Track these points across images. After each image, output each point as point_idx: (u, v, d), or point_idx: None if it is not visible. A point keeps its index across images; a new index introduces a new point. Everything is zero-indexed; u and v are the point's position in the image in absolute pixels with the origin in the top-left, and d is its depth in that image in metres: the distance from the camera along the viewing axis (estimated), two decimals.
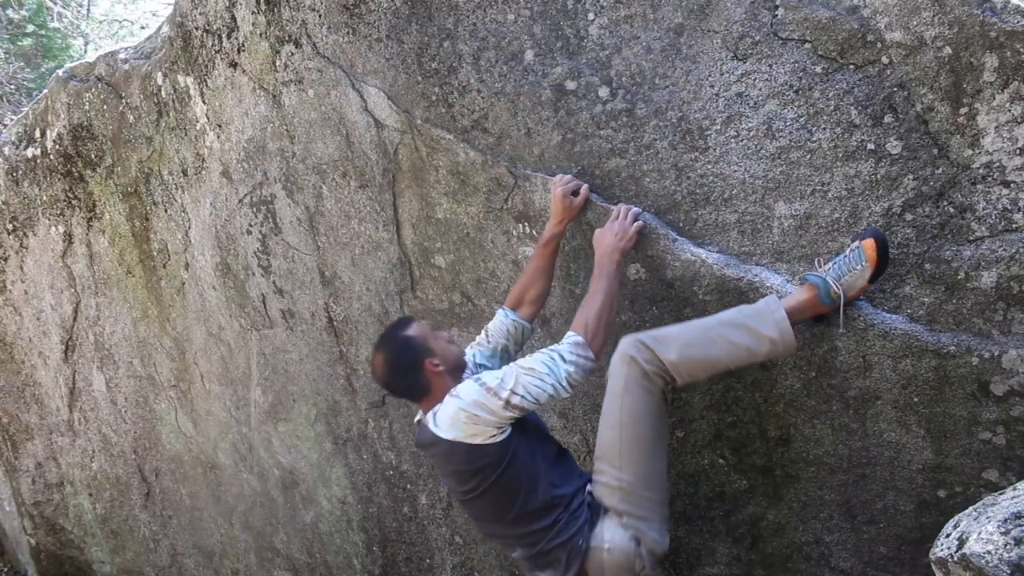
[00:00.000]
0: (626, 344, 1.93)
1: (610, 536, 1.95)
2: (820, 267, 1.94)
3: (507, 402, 1.89)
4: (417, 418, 2.17)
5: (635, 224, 2.10)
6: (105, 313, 3.96)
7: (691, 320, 2.02)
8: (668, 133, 2.11)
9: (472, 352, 2.26)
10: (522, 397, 1.90)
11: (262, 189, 3.00)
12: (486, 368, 2.17)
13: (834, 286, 1.88)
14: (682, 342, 1.90)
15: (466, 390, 1.94)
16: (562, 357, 1.93)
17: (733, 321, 1.92)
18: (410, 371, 2.05)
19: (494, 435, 1.93)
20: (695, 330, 1.94)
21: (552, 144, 2.27)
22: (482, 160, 2.38)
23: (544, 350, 1.96)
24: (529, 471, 1.97)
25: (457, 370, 2.12)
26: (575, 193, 2.19)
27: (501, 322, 2.27)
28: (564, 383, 1.92)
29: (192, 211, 3.33)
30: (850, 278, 1.87)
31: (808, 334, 2.04)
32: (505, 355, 2.26)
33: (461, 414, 1.92)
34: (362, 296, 2.87)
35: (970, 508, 1.53)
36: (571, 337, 1.96)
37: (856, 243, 1.87)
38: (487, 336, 2.27)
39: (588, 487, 2.05)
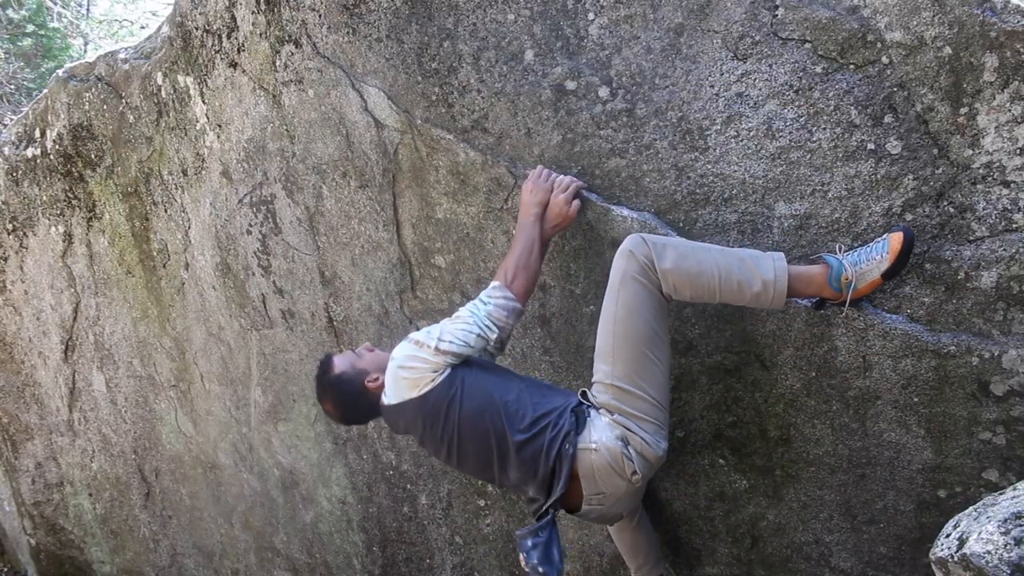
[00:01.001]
0: (628, 240, 1.93)
1: (598, 436, 1.90)
2: (841, 250, 1.91)
3: (436, 349, 1.98)
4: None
5: (551, 179, 2.15)
6: (105, 313, 3.96)
7: (696, 243, 1.98)
8: (668, 133, 2.11)
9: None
10: (449, 343, 1.97)
11: (262, 189, 3.00)
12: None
13: (848, 270, 1.84)
14: (679, 253, 1.88)
15: (399, 351, 2.03)
16: (482, 301, 2.03)
17: (736, 253, 1.91)
18: (358, 400, 2.15)
19: (434, 378, 1.97)
20: (696, 247, 1.92)
21: (552, 144, 2.27)
22: (482, 160, 2.38)
23: (469, 302, 2.06)
24: (493, 394, 1.97)
25: None
26: (576, 197, 2.20)
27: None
28: (486, 322, 2.00)
29: (192, 211, 3.33)
30: (866, 266, 1.83)
31: (808, 334, 2.04)
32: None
33: (400, 372, 2.00)
34: (362, 296, 2.87)
35: (970, 508, 1.53)
36: (491, 284, 2.07)
37: (885, 235, 1.85)
38: None
39: (578, 398, 2.03)
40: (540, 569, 1.95)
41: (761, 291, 1.85)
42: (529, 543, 1.96)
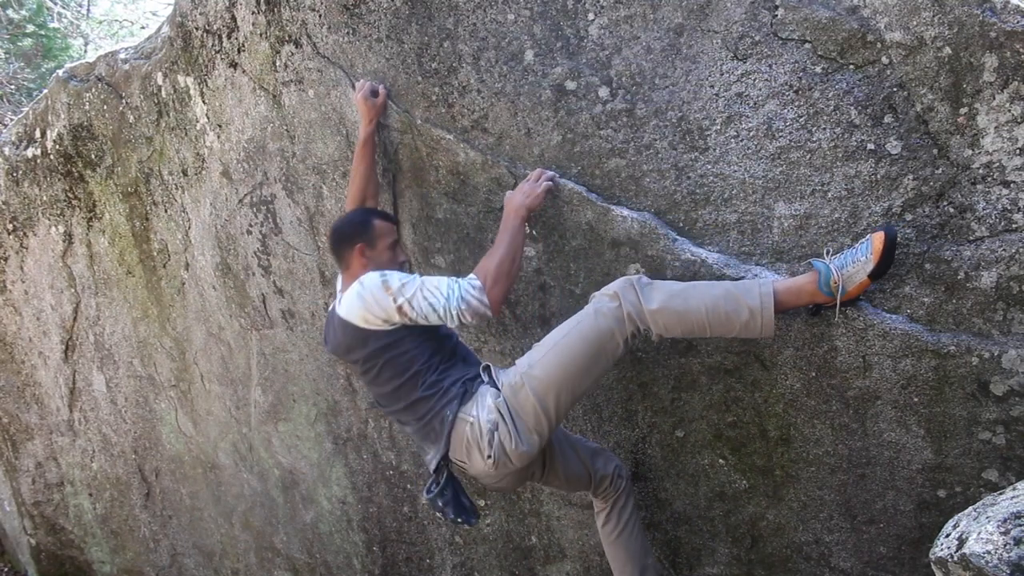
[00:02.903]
0: (619, 283, 1.99)
1: (476, 412, 2.06)
2: (827, 256, 1.95)
3: (399, 308, 2.02)
4: (338, 291, 2.32)
5: (544, 184, 2.17)
6: (105, 313, 3.96)
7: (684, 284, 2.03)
8: (668, 133, 2.11)
9: None
10: (411, 307, 2.02)
11: (262, 189, 3.00)
12: None
13: (835, 274, 1.88)
14: (667, 293, 1.95)
15: (370, 280, 2.07)
16: (462, 290, 2.03)
17: (722, 286, 1.97)
18: (344, 241, 2.23)
19: (381, 327, 2.07)
20: (684, 286, 1.98)
21: (552, 144, 2.27)
22: (482, 160, 2.38)
23: (452, 278, 2.07)
24: (417, 355, 2.10)
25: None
26: (375, 94, 2.42)
27: None
28: (453, 312, 2.02)
29: (192, 211, 3.33)
30: (852, 269, 1.87)
31: (808, 334, 2.04)
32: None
33: (359, 300, 2.06)
34: None
35: (970, 508, 1.53)
36: (473, 280, 2.04)
37: (868, 236, 1.88)
38: None
39: (478, 371, 2.17)
40: (459, 520, 2.20)
41: (749, 319, 1.91)
42: (440, 503, 2.19)
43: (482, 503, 2.90)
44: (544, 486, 2.58)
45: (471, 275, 2.06)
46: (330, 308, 2.31)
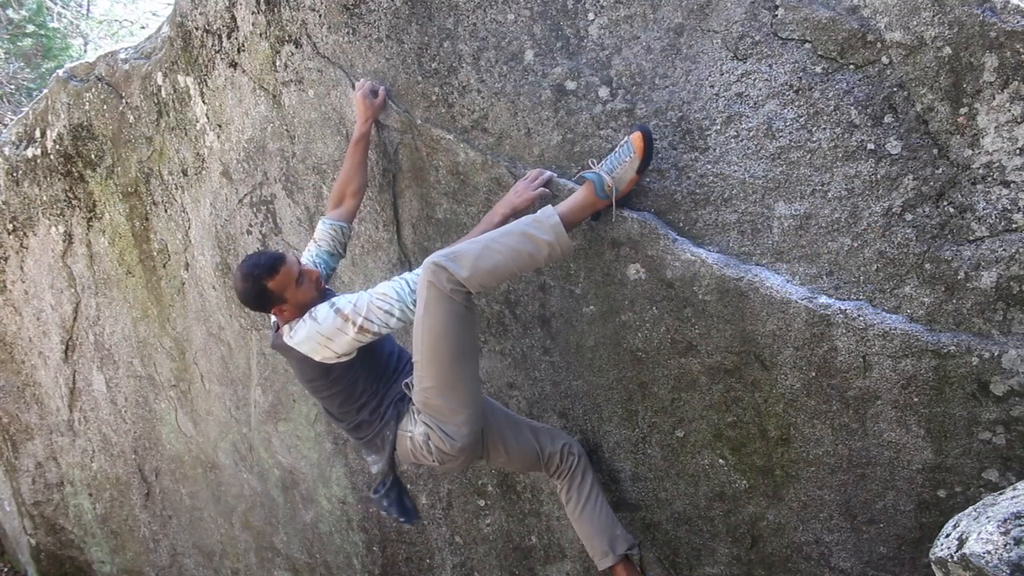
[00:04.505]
0: (426, 270, 2.04)
1: (411, 427, 2.26)
2: (593, 166, 2.12)
3: (360, 328, 2.11)
4: (274, 319, 2.36)
5: (539, 191, 2.22)
6: (105, 313, 3.96)
7: (482, 235, 2.11)
8: (668, 133, 2.11)
9: (311, 253, 2.49)
10: (371, 322, 2.11)
11: (262, 189, 3.00)
12: (327, 263, 2.48)
13: (607, 179, 2.06)
14: (472, 256, 2.02)
15: (323, 315, 2.15)
16: (409, 283, 2.12)
17: (514, 231, 2.06)
18: (259, 303, 2.24)
19: (340, 359, 2.19)
20: (482, 244, 2.05)
21: (552, 144, 2.27)
22: (482, 160, 2.38)
23: (396, 277, 2.17)
24: (364, 385, 2.28)
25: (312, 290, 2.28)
26: (374, 94, 2.44)
27: (323, 230, 2.49)
28: (409, 304, 2.11)
29: (192, 211, 3.33)
30: (621, 170, 2.06)
31: (808, 334, 2.04)
32: (335, 257, 2.52)
33: (317, 336, 2.15)
34: None
35: (970, 508, 1.53)
36: (422, 267, 2.10)
37: (625, 138, 2.06)
38: (316, 244, 2.50)
39: (403, 389, 2.32)
40: (401, 519, 2.45)
41: (549, 252, 2.05)
42: (384, 503, 2.43)
43: (481, 503, 2.90)
44: (493, 466, 2.68)
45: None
46: (273, 339, 2.35)
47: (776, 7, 1.93)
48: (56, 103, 3.64)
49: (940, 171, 1.85)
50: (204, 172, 3.19)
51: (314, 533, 3.57)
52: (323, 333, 2.14)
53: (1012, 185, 1.78)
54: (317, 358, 2.19)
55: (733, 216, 2.08)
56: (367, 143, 2.50)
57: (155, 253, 3.59)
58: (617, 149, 2.08)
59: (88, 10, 11.04)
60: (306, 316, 2.20)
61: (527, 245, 2.03)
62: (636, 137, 2.04)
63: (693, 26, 2.03)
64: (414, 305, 2.09)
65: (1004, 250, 1.81)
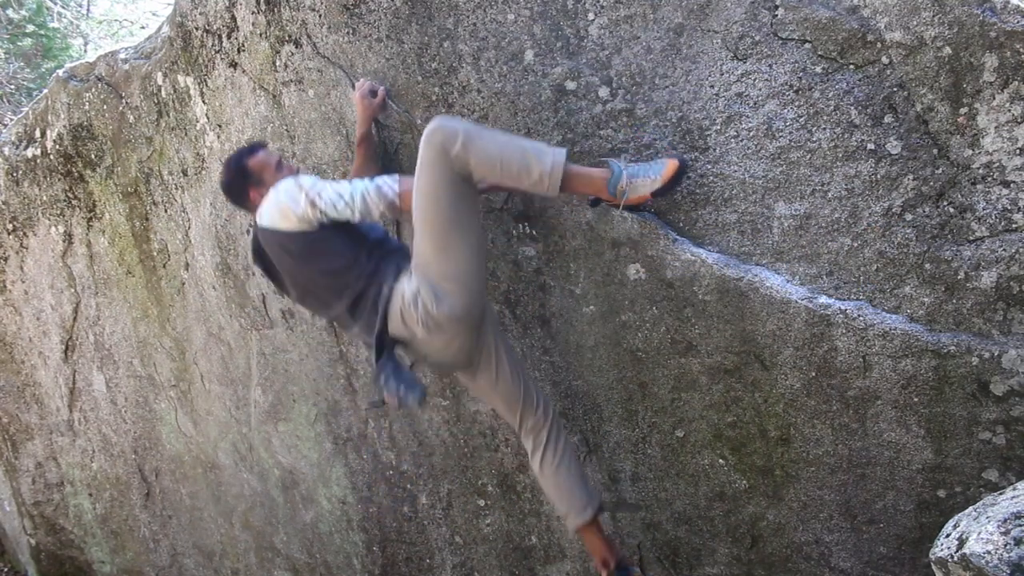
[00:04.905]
0: (428, 128, 2.02)
1: (403, 287, 2.18)
2: (626, 161, 2.10)
3: (311, 202, 2.16)
4: (252, 233, 2.41)
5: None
6: (105, 313, 3.96)
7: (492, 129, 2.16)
8: (668, 133, 2.11)
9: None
10: (320, 198, 2.15)
11: None
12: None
13: (625, 181, 2.03)
14: (473, 134, 2.02)
15: (284, 185, 2.21)
16: (373, 183, 2.17)
17: (521, 143, 2.08)
18: (237, 196, 2.40)
19: (299, 226, 2.19)
20: (488, 131, 2.11)
21: (552, 144, 2.27)
22: None
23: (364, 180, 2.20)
24: (344, 248, 2.22)
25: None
26: (373, 94, 2.45)
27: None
28: (358, 197, 2.14)
29: (192, 211, 3.33)
30: (639, 182, 2.03)
31: (808, 334, 2.04)
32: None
33: (275, 204, 2.21)
34: None
35: (970, 508, 1.53)
36: (390, 177, 2.18)
37: (664, 158, 2.04)
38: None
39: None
40: (401, 391, 2.21)
41: (537, 180, 2.02)
42: (382, 379, 2.23)
43: (481, 503, 2.90)
44: (474, 391, 2.57)
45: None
46: (251, 235, 2.42)
47: (776, 7, 1.93)
48: (56, 103, 3.64)
49: (940, 171, 1.85)
50: (204, 172, 3.19)
51: (314, 533, 3.57)
52: (281, 200, 2.19)
53: (1012, 185, 1.78)
54: (279, 224, 2.21)
55: (733, 216, 2.08)
56: (370, 142, 2.51)
57: (155, 253, 3.59)
58: (650, 161, 2.06)
59: (88, 10, 11.04)
60: (270, 191, 2.25)
61: (521, 160, 2.02)
62: (672, 164, 2.00)
63: (693, 26, 2.03)
64: (362, 194, 2.14)
65: (1004, 250, 1.81)
